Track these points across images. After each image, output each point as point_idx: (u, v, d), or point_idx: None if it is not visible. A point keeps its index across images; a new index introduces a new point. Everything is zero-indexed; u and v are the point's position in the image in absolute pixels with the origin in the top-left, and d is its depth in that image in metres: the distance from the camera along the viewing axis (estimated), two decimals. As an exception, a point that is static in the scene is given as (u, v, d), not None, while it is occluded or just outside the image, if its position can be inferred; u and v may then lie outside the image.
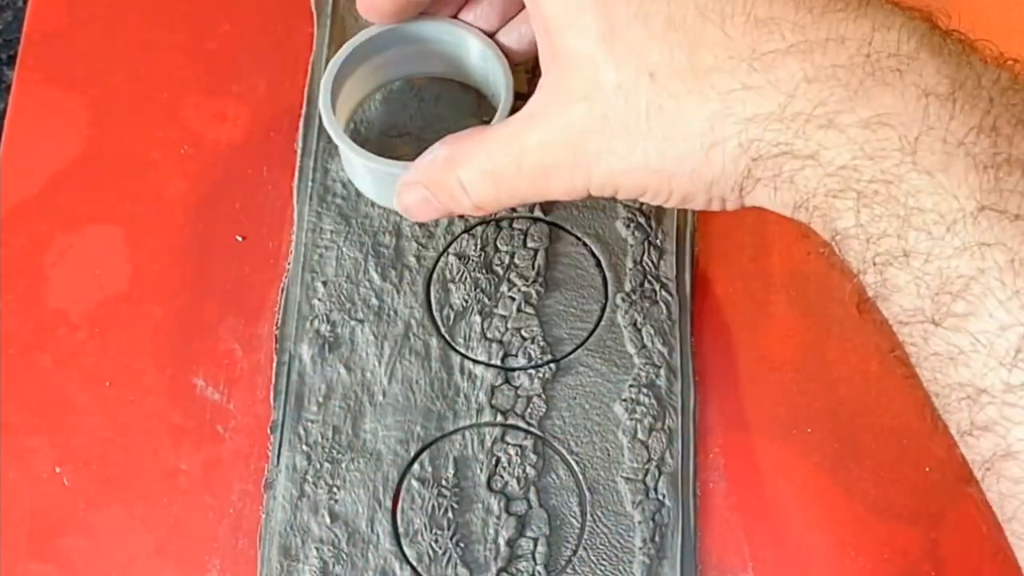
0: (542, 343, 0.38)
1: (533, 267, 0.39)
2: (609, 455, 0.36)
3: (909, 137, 0.24)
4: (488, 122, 0.35)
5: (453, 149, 0.31)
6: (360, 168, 0.37)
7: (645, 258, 0.39)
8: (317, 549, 0.35)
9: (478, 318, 0.38)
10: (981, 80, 0.24)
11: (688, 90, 0.26)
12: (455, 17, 0.37)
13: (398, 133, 0.41)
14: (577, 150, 0.28)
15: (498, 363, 0.37)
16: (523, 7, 0.35)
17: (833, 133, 0.25)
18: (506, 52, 0.36)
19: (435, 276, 0.39)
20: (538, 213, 0.40)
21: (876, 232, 0.25)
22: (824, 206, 0.26)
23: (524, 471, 0.36)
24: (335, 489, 0.36)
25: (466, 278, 0.39)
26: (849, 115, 0.24)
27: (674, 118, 0.26)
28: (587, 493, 0.36)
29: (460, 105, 0.41)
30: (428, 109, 0.41)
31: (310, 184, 0.40)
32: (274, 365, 0.38)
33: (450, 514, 0.35)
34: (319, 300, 0.38)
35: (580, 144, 0.28)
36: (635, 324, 0.38)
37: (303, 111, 0.41)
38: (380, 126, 0.41)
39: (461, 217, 0.39)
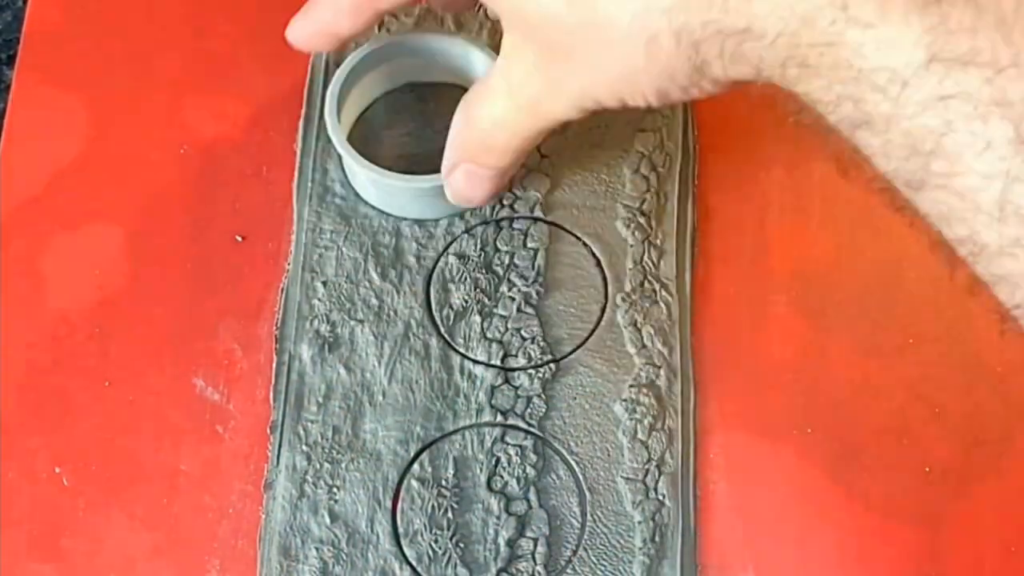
0: (542, 343, 0.38)
1: (533, 267, 0.39)
2: (609, 455, 0.36)
3: None
4: None
5: (461, 115, 0.34)
6: (363, 179, 0.37)
7: (645, 258, 0.39)
8: (317, 549, 0.35)
9: (478, 318, 0.38)
10: None
11: None
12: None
13: (398, 134, 0.41)
14: (547, 79, 0.30)
15: (498, 363, 0.37)
16: None
17: (759, 2, 0.24)
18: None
19: (435, 276, 0.39)
20: (538, 213, 0.39)
21: (833, 99, 0.24)
22: (778, 76, 0.25)
23: (524, 471, 0.36)
24: (335, 489, 0.36)
25: (466, 278, 0.39)
26: None
27: (604, 26, 0.27)
28: (587, 493, 0.36)
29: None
30: (428, 109, 0.41)
31: (310, 184, 0.40)
32: (274, 365, 0.38)
33: (450, 514, 0.35)
34: (319, 300, 0.38)
35: (546, 73, 0.30)
36: (635, 324, 0.38)
37: (303, 111, 0.41)
38: (380, 126, 0.41)
39: (461, 216, 0.39)
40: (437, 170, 0.36)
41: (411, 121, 0.41)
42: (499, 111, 0.32)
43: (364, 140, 0.40)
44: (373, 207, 0.40)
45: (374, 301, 0.38)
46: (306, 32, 0.35)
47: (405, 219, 0.39)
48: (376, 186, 0.38)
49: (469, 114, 0.33)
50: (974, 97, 0.22)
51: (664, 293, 0.38)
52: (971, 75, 0.22)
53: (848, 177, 0.26)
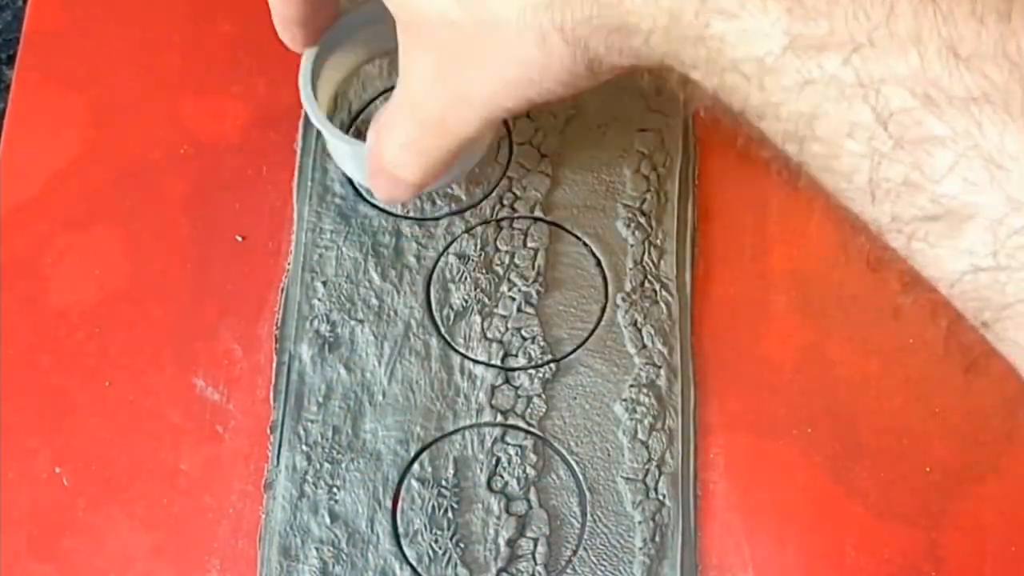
0: (542, 343, 0.38)
1: (533, 267, 0.39)
2: (609, 455, 0.36)
3: None
4: None
5: (373, 134, 0.33)
6: (342, 151, 0.37)
7: (645, 258, 0.39)
8: (317, 549, 0.35)
9: (478, 318, 0.38)
10: None
11: None
12: None
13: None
14: (449, 91, 0.29)
15: (498, 363, 0.37)
16: None
17: None
18: None
19: (435, 276, 0.39)
20: (538, 213, 0.40)
21: (713, 89, 0.24)
22: (666, 70, 0.25)
23: (524, 471, 0.36)
24: (335, 489, 0.36)
25: (466, 278, 0.39)
26: None
27: (497, 25, 0.26)
28: (587, 493, 0.36)
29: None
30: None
31: (310, 184, 0.40)
32: (274, 365, 0.38)
33: (450, 514, 0.35)
34: (319, 300, 0.38)
35: (448, 85, 0.29)
36: (635, 324, 0.38)
37: (303, 111, 0.41)
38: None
39: (461, 216, 0.39)
40: None
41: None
42: (404, 134, 0.31)
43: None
44: (374, 206, 0.40)
45: (374, 301, 0.38)
46: (280, 29, 0.34)
47: (405, 219, 0.39)
48: (355, 159, 0.37)
49: (378, 137, 0.32)
50: (837, 79, 0.22)
51: (664, 293, 0.38)
52: (829, 57, 0.21)
53: (750, 158, 0.26)
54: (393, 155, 0.32)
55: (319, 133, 0.41)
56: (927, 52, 0.21)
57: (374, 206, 0.40)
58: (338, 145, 0.36)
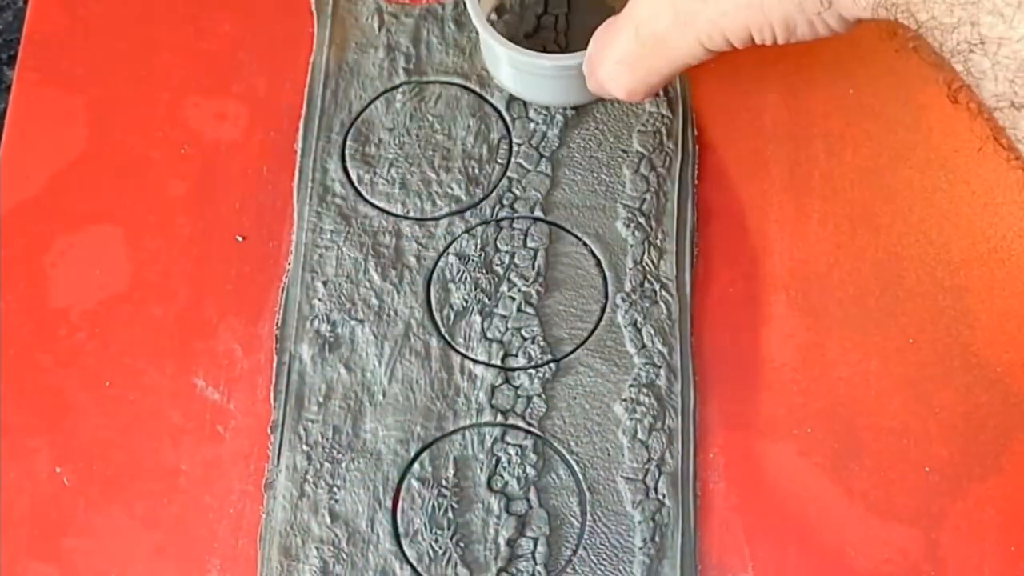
0: (542, 343, 0.38)
1: (533, 267, 0.39)
2: (609, 455, 0.36)
3: None
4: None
5: (592, 48, 0.35)
6: (503, 60, 0.38)
7: (645, 258, 0.39)
8: (317, 549, 0.35)
9: (478, 318, 0.38)
10: None
11: None
12: None
13: (399, 133, 0.41)
14: (675, 12, 0.30)
15: (498, 363, 0.37)
16: None
17: None
18: None
19: (435, 276, 0.39)
20: (538, 213, 0.40)
21: (951, 22, 0.25)
22: (901, 2, 0.26)
23: (524, 471, 0.36)
24: (335, 489, 0.36)
25: (466, 278, 0.39)
26: None
27: None
28: (587, 493, 0.36)
29: (460, 105, 0.41)
30: (428, 109, 0.41)
31: (310, 184, 0.40)
32: (274, 365, 0.38)
33: (450, 514, 0.35)
34: (319, 300, 0.38)
35: (675, 6, 0.30)
36: (635, 324, 0.38)
37: (303, 111, 0.41)
38: (379, 124, 0.41)
39: (461, 216, 0.39)
40: (581, 48, 0.36)
41: (408, 120, 0.41)
42: (623, 50, 0.33)
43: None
44: (374, 206, 0.40)
45: (374, 301, 0.38)
46: None
47: (405, 219, 0.39)
48: (515, 67, 0.38)
49: (597, 51, 0.34)
50: None
51: (664, 293, 0.38)
52: None
53: (957, 103, 0.27)
54: (609, 70, 0.34)
55: (319, 134, 0.41)
56: None
57: (374, 206, 0.40)
58: (501, 52, 0.37)
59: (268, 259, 0.40)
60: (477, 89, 0.41)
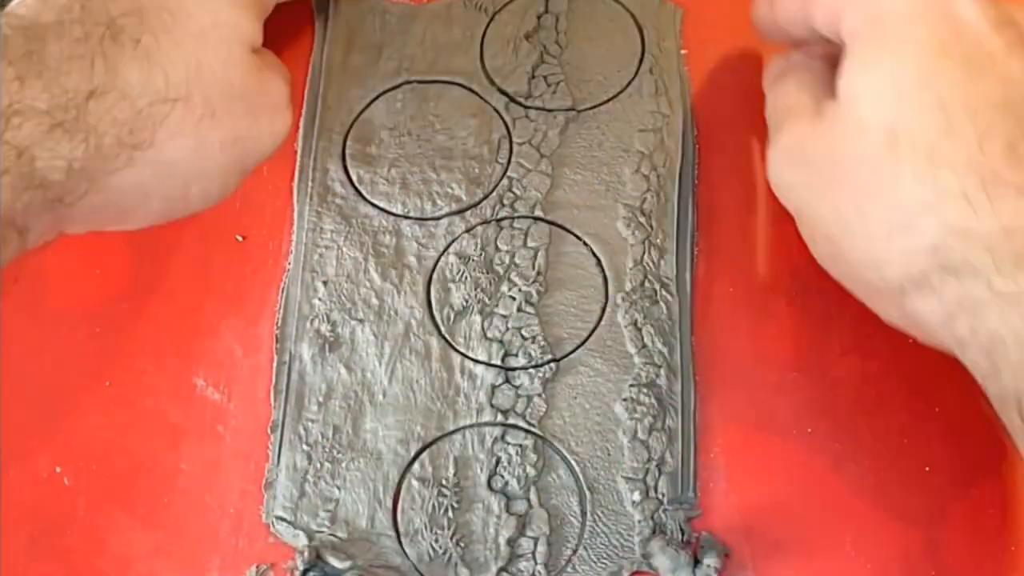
0: (542, 343, 0.38)
1: (533, 267, 0.39)
2: (609, 455, 0.36)
3: None
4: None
5: None
6: None
7: (645, 258, 0.39)
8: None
9: (478, 318, 0.38)
10: None
11: (926, 157, 0.27)
12: None
13: (399, 133, 0.41)
14: None
15: (498, 363, 0.37)
16: None
17: None
18: None
19: (435, 276, 0.39)
20: (538, 213, 0.40)
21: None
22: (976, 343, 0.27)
23: (524, 471, 0.36)
24: (336, 489, 0.36)
25: (466, 278, 0.39)
26: None
27: (891, 175, 0.28)
28: (587, 493, 0.36)
29: (460, 105, 0.41)
30: (428, 109, 0.41)
31: (310, 184, 0.40)
32: (274, 365, 0.38)
33: (450, 514, 0.35)
34: (319, 300, 0.38)
35: None
36: (635, 324, 0.38)
37: (303, 111, 0.41)
38: (380, 124, 0.41)
39: (461, 216, 0.39)
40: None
41: (409, 121, 0.41)
42: None
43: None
44: (375, 206, 0.40)
45: (375, 301, 0.38)
46: None
47: (405, 219, 0.39)
48: None
49: None
50: None
51: (664, 293, 0.38)
52: None
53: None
54: None
55: (319, 134, 0.41)
56: None
57: (375, 206, 0.40)
58: None
59: (268, 259, 0.40)
60: (478, 89, 0.41)
